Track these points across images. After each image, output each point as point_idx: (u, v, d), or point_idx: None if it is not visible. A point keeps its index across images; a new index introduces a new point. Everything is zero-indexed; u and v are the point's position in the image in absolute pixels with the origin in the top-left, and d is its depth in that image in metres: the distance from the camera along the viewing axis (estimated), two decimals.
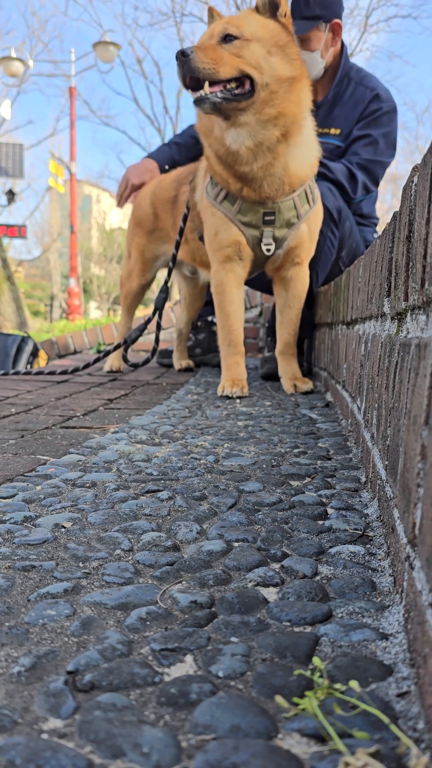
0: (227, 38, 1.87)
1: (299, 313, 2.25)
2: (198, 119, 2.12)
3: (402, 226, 0.79)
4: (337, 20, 2.53)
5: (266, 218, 2.08)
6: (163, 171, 2.82)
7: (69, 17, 37.64)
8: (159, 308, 2.48)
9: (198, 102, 1.88)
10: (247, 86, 1.90)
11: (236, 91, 1.89)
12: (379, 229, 3.14)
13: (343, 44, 2.63)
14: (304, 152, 2.05)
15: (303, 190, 2.09)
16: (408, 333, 0.72)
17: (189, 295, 2.94)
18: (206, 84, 1.85)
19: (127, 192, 2.80)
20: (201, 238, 2.40)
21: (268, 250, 2.12)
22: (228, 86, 1.88)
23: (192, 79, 1.85)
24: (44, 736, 0.40)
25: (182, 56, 1.83)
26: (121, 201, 2.88)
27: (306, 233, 2.16)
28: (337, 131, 2.64)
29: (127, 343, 2.50)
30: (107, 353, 2.58)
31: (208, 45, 1.88)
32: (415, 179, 0.71)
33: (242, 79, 1.89)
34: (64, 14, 35.09)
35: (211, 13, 2.09)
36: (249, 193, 2.04)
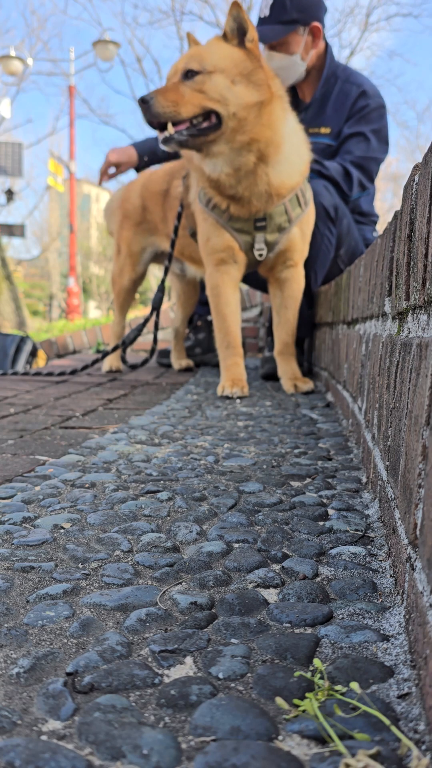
0: (189, 74, 1.90)
1: (296, 313, 2.25)
2: None
3: (403, 225, 0.79)
4: (316, 23, 2.54)
5: (257, 224, 2.09)
6: (141, 160, 2.83)
7: (68, 16, 37.71)
8: (156, 308, 2.48)
9: (165, 142, 1.93)
10: (214, 119, 1.92)
11: (203, 125, 1.92)
12: (380, 228, 3.14)
13: (327, 45, 2.65)
14: (289, 165, 2.05)
15: (294, 195, 2.10)
16: (409, 333, 0.72)
17: (183, 292, 2.95)
18: (169, 124, 1.89)
19: (104, 167, 2.83)
20: (192, 235, 2.40)
21: (261, 255, 2.13)
22: (194, 121, 1.91)
23: (159, 121, 1.90)
24: (43, 737, 0.40)
25: (143, 103, 1.87)
26: (101, 178, 2.90)
27: (298, 236, 2.16)
28: (328, 130, 2.65)
29: (125, 344, 2.50)
30: (105, 355, 2.58)
31: (170, 85, 1.91)
32: (416, 178, 0.71)
33: (208, 112, 1.92)
34: (64, 13, 35.14)
35: (189, 41, 2.09)
36: (238, 210, 2.06)
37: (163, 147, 1.95)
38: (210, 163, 1.99)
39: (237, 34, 1.94)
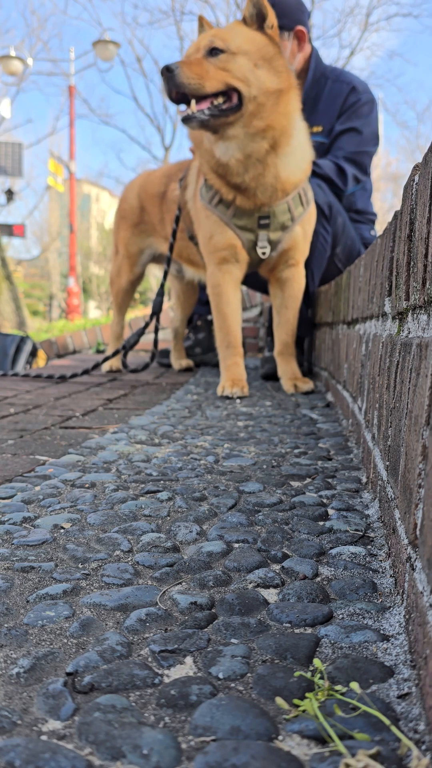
0: (213, 51, 1.88)
1: (296, 313, 2.25)
2: (189, 130, 2.12)
3: (403, 225, 0.79)
4: (299, 27, 2.55)
5: (261, 222, 2.09)
6: None
7: (68, 16, 37.63)
8: (156, 312, 2.48)
9: (185, 120, 1.90)
10: (235, 100, 1.91)
11: (224, 106, 1.90)
12: (380, 228, 3.14)
13: (313, 47, 2.67)
14: (296, 159, 2.06)
15: (297, 193, 2.10)
16: (409, 333, 0.72)
17: (181, 293, 2.95)
18: (193, 102, 1.87)
19: None
20: (191, 238, 2.40)
21: (264, 253, 2.12)
22: (215, 102, 1.89)
23: (178, 94, 1.87)
24: (43, 737, 0.40)
25: (167, 72, 1.84)
26: None
27: (300, 235, 2.16)
28: (319, 128, 2.67)
29: (126, 348, 2.50)
30: (105, 359, 2.58)
31: (194, 59, 1.88)
32: (416, 178, 0.71)
33: (229, 92, 1.90)
34: (64, 13, 35.10)
35: (201, 23, 2.09)
36: (242, 201, 2.05)
37: (183, 125, 1.93)
38: (222, 146, 1.98)
39: (256, 19, 1.94)
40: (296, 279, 2.23)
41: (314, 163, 2.52)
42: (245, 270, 2.19)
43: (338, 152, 2.61)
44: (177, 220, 2.38)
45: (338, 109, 2.63)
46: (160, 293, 2.49)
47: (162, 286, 2.49)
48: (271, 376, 2.50)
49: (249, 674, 0.48)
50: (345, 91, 2.62)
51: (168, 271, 2.49)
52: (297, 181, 2.08)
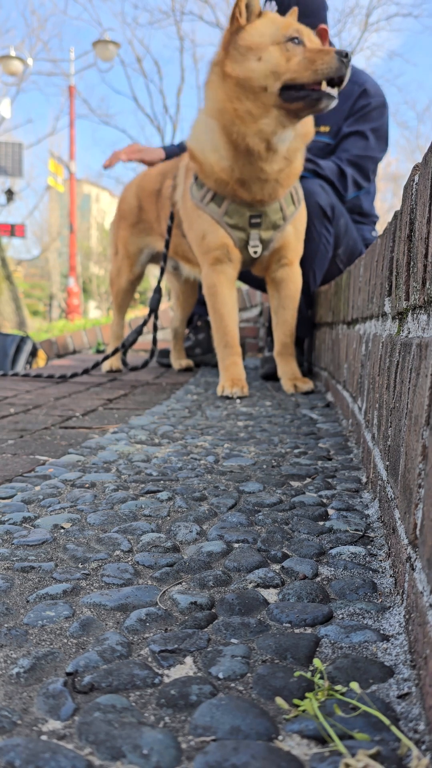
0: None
1: (294, 313, 2.24)
2: (221, 104, 1.96)
3: (403, 225, 0.79)
4: (323, 26, 2.54)
5: (252, 221, 2.09)
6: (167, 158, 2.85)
7: (68, 16, 37.64)
8: (153, 310, 2.48)
9: (334, 99, 1.90)
10: None
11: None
12: (380, 228, 3.14)
13: (331, 44, 2.64)
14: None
15: (288, 192, 2.10)
16: (409, 333, 0.72)
17: (181, 292, 2.95)
18: (324, 83, 1.86)
19: (118, 155, 2.80)
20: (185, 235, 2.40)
21: (255, 252, 2.12)
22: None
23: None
24: (44, 737, 0.40)
25: (345, 57, 1.84)
26: (111, 159, 2.82)
27: (292, 234, 2.16)
28: (327, 128, 2.64)
29: (125, 347, 2.50)
30: (105, 358, 2.58)
31: (327, 48, 1.88)
32: (416, 178, 0.71)
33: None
34: (64, 13, 35.11)
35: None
36: (243, 193, 2.05)
37: (327, 102, 1.90)
38: (289, 133, 1.98)
39: None
40: (292, 279, 2.22)
41: (317, 164, 2.51)
42: (239, 269, 2.19)
43: (342, 154, 2.60)
44: (172, 216, 2.38)
45: (347, 110, 2.60)
46: (158, 290, 2.49)
47: (159, 283, 2.49)
48: (271, 376, 2.50)
49: (249, 674, 0.48)
50: (356, 92, 2.59)
51: (164, 268, 2.49)
52: (294, 179, 2.09)
